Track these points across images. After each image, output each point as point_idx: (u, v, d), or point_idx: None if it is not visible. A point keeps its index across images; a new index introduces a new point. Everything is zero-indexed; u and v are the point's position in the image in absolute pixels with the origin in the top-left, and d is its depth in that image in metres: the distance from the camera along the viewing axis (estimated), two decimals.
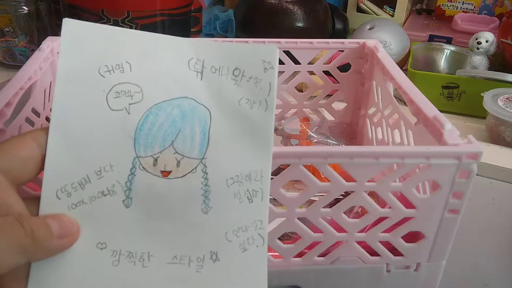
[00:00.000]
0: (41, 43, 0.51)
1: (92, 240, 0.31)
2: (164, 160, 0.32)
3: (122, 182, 0.31)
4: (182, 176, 0.32)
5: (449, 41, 0.99)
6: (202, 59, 0.34)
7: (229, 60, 0.34)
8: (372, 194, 0.39)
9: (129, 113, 0.32)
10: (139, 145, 0.32)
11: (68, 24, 0.32)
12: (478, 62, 0.85)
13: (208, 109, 0.33)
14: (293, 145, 0.62)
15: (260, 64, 0.33)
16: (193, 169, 0.32)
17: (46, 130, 0.31)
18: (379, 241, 0.42)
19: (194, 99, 0.33)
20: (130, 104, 0.32)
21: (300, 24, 0.88)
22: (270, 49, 0.34)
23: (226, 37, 0.95)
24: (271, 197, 0.39)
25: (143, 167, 0.32)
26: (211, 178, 0.32)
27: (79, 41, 0.32)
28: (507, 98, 0.71)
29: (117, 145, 0.32)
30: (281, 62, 0.61)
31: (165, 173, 0.32)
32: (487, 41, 0.84)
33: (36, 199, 0.30)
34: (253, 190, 0.33)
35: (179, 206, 0.32)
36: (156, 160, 0.32)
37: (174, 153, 0.32)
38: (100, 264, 0.31)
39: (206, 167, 0.32)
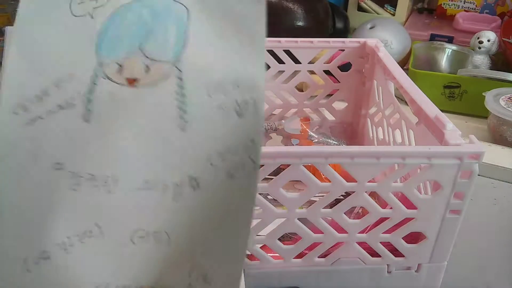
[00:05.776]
0: None
1: (47, 159, 0.27)
2: (130, 66, 0.28)
3: (82, 93, 0.27)
4: (151, 85, 0.28)
5: (450, 40, 0.99)
6: None
7: None
8: (373, 194, 0.38)
9: (92, 17, 0.28)
10: (102, 51, 0.28)
11: None
12: (480, 62, 0.85)
13: (186, 6, 0.29)
14: (293, 144, 0.61)
15: None
16: (165, 75, 0.28)
17: None
18: (380, 242, 0.41)
19: None
20: (94, 8, 0.29)
21: (300, 23, 0.88)
22: None
23: None
24: (271, 198, 0.39)
25: (106, 75, 0.28)
26: (188, 86, 0.27)
27: None
28: (509, 98, 0.71)
29: (78, 53, 0.28)
30: (281, 62, 0.60)
31: (131, 81, 0.28)
32: (488, 40, 0.83)
33: None
34: (243, 101, 0.26)
35: (150, 120, 0.27)
36: (121, 66, 0.28)
37: (143, 57, 0.28)
38: (56, 187, 0.27)
39: (181, 72, 0.27)
